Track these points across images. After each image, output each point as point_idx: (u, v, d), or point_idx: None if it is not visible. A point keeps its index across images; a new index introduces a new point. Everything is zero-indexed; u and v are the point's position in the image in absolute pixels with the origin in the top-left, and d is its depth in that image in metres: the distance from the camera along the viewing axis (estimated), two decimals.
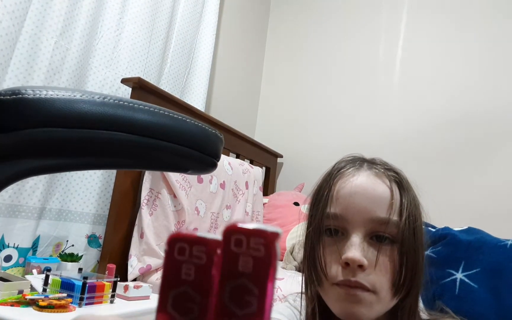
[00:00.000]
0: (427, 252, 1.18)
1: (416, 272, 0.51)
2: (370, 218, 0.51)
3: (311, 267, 0.54)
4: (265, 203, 2.19)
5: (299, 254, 1.67)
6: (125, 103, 0.32)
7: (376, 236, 0.51)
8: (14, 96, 0.29)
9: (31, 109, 0.29)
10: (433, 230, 1.25)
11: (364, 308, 0.49)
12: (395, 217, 0.51)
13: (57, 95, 0.30)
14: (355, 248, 0.49)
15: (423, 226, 0.55)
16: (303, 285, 0.60)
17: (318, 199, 0.56)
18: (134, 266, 1.46)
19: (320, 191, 0.57)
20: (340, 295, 0.50)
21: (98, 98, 0.31)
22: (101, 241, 1.60)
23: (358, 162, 0.57)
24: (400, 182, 0.55)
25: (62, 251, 1.51)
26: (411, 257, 0.50)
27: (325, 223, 0.53)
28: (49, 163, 0.33)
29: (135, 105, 0.33)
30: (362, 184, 0.53)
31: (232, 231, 0.16)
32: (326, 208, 0.54)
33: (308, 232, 0.57)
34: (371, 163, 0.57)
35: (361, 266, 0.49)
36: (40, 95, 0.29)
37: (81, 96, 0.31)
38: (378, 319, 0.52)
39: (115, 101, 0.32)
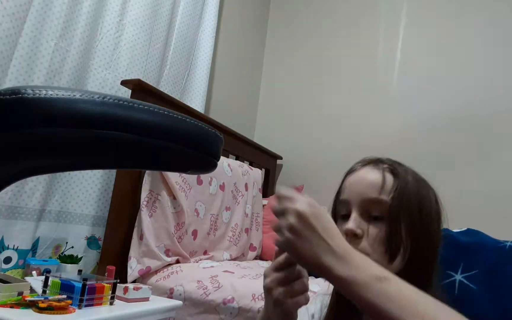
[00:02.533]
0: None
1: (418, 243, 0.61)
2: (364, 199, 0.64)
3: None
4: (265, 205, 2.19)
5: None
6: (125, 103, 0.32)
7: (374, 216, 0.63)
8: (14, 96, 0.29)
9: (31, 108, 0.29)
10: None
11: None
12: (385, 197, 0.62)
13: (57, 94, 0.30)
14: (351, 222, 0.62)
15: (430, 203, 0.65)
16: None
17: (336, 191, 0.71)
18: (133, 267, 1.45)
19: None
20: None
21: (98, 98, 0.31)
22: (100, 242, 1.60)
23: (367, 161, 0.70)
24: (393, 170, 0.66)
25: (62, 253, 1.51)
26: (399, 227, 0.61)
27: (338, 208, 0.68)
28: (49, 163, 0.33)
29: (135, 105, 0.33)
30: (362, 175, 0.67)
31: None
32: (339, 196, 0.69)
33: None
34: (377, 161, 0.68)
35: (356, 235, 0.61)
36: (40, 94, 0.29)
37: (81, 95, 0.31)
38: None
39: (115, 101, 0.32)
